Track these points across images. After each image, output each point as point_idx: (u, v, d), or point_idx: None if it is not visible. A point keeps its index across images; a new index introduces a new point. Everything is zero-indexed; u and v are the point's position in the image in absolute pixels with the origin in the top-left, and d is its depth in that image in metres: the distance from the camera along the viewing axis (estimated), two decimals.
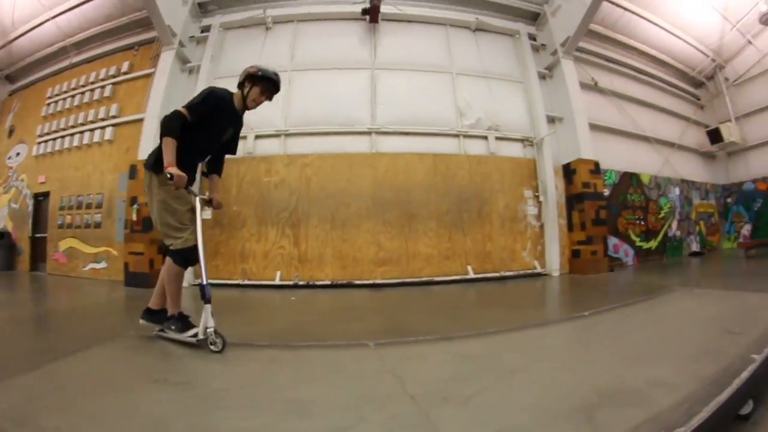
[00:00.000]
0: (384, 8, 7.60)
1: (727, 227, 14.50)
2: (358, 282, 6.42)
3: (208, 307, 2.33)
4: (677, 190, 11.67)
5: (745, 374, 1.38)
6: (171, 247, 2.48)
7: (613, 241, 9.00)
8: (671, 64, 13.10)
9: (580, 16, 7.87)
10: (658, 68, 12.74)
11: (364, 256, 6.61)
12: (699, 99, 14.67)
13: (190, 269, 2.98)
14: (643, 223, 10.09)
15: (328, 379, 1.87)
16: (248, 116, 2.91)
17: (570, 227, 8.11)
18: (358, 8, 7.59)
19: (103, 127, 8.15)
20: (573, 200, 8.15)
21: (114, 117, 8.09)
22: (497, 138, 7.71)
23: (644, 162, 10.82)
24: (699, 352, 1.81)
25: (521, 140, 7.99)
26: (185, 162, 2.41)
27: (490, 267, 7.01)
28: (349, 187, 6.74)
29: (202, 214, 2.54)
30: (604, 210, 8.27)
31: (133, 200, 6.87)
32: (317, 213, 6.62)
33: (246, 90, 2.62)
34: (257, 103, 2.68)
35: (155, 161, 2.47)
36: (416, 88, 7.63)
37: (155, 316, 2.60)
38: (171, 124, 2.38)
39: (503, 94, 8.14)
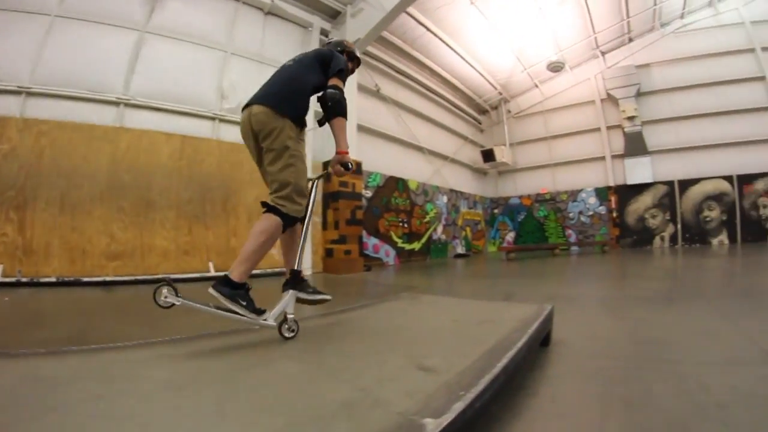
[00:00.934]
0: None
1: (492, 234, 18.11)
2: (87, 279, 5.70)
3: (290, 293, 2.22)
4: (445, 198, 13.91)
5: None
6: (289, 213, 2.16)
7: (373, 241, 10.21)
8: (461, 89, 15.63)
9: (375, 22, 8.56)
10: (446, 89, 15.04)
11: (95, 249, 5.92)
12: (480, 123, 17.96)
13: None
14: (406, 225, 11.61)
15: None
16: None
17: (324, 225, 8.71)
18: None
19: None
20: (329, 198, 8.67)
21: None
22: None
23: (415, 169, 12.50)
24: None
25: None
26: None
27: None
28: (83, 164, 5.96)
29: None
30: (361, 210, 9.06)
31: None
32: (46, 194, 5.70)
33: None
34: None
35: (298, 111, 2.22)
36: (184, 61, 7.28)
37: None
38: (345, 103, 2.20)
39: None
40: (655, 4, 13.38)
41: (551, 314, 2.44)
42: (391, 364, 1.53)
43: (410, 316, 2.63)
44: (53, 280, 5.57)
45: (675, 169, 14.03)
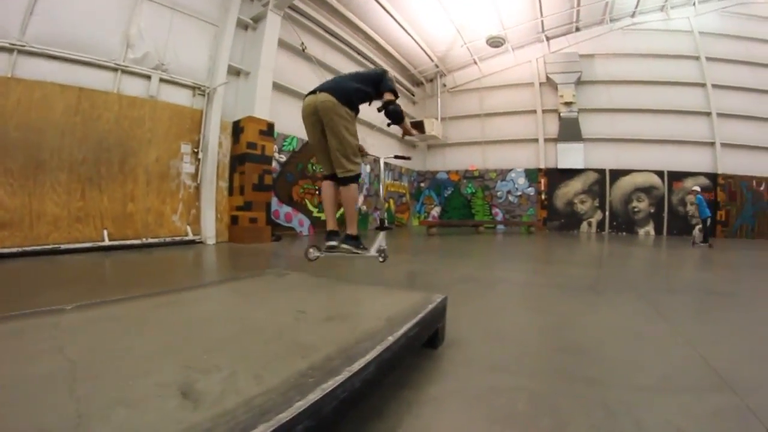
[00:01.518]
0: None
1: (417, 207, 18.98)
2: None
3: (382, 233, 3.48)
4: (367, 167, 14.36)
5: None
6: (352, 172, 3.15)
7: (285, 209, 10.44)
8: (396, 57, 15.89)
9: None
10: (380, 56, 15.23)
11: None
12: (414, 95, 18.43)
13: None
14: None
15: None
16: None
17: (231, 191, 8.69)
18: None
19: None
20: (235, 161, 8.66)
21: None
22: (163, 80, 7.65)
23: None
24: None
25: (193, 87, 8.16)
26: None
27: (132, 232, 7.00)
28: None
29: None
30: (270, 175, 9.11)
31: None
32: None
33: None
34: None
35: (352, 104, 3.14)
36: (91, 4, 6.81)
37: (338, 237, 3.24)
38: (401, 111, 3.23)
39: (188, 32, 8.14)
40: None
41: (442, 308, 2.11)
42: (154, 378, 1.16)
43: (248, 304, 2.21)
44: None
45: (607, 158, 15.86)
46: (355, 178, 3.20)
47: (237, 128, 8.76)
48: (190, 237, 7.83)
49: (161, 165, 7.56)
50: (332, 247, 3.18)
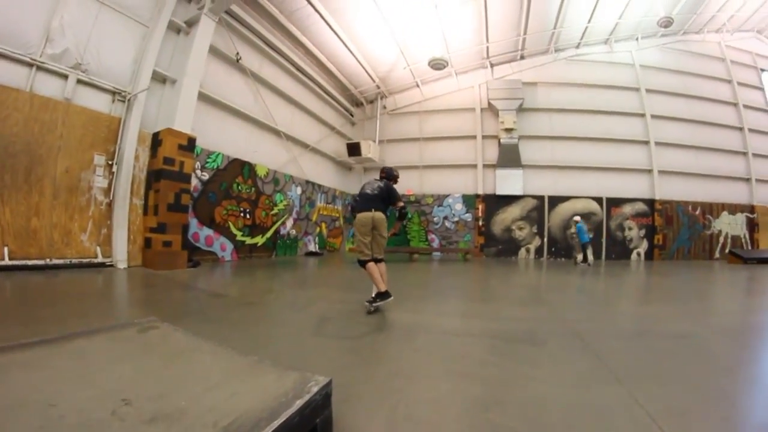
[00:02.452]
0: None
1: (351, 232, 19.26)
2: None
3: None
4: (299, 189, 14.62)
5: None
6: (383, 255, 5.26)
7: (206, 232, 10.29)
8: (336, 75, 16.45)
9: None
10: (320, 73, 15.77)
11: None
12: (353, 115, 19.12)
13: None
14: (249, 216, 11.87)
15: None
16: None
17: (146, 210, 8.46)
18: None
19: None
20: (151, 177, 8.41)
21: None
22: (80, 81, 7.51)
23: (267, 154, 12.87)
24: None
25: (113, 92, 8.04)
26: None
27: (36, 251, 6.75)
28: None
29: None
30: (188, 195, 8.91)
31: None
32: None
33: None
34: None
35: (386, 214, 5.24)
36: None
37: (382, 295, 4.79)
38: (406, 211, 5.57)
39: (114, 30, 8.04)
40: (555, 29, 16.11)
41: (322, 398, 1.74)
42: None
43: (73, 379, 1.85)
44: None
45: (546, 184, 17.44)
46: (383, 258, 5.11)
47: (156, 141, 8.58)
48: (100, 259, 7.59)
49: (71, 177, 7.34)
50: (375, 302, 4.73)
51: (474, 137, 18.26)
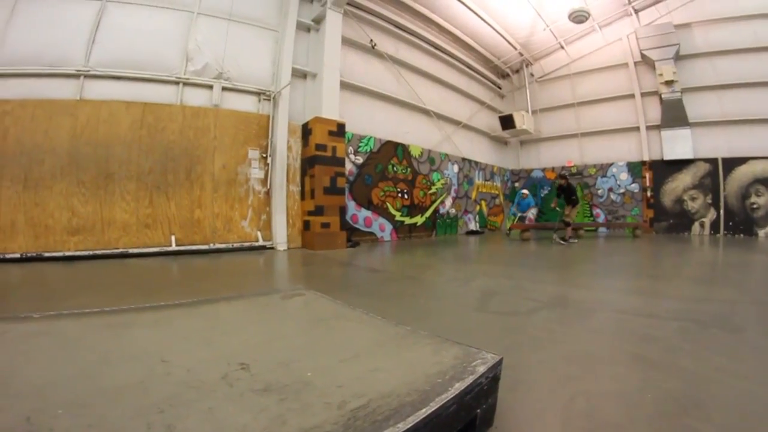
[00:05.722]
0: None
1: (512, 209, 17.62)
2: (48, 255, 5.99)
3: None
4: (456, 168, 13.47)
5: None
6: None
7: (364, 213, 9.87)
8: (476, 48, 14.92)
9: None
10: (458, 49, 14.37)
11: (57, 224, 6.20)
12: (500, 88, 17.24)
13: None
14: (407, 197, 11.21)
15: None
16: None
17: (303, 195, 8.50)
18: None
19: None
20: (306, 164, 8.47)
21: None
22: (226, 89, 7.74)
23: (419, 134, 12.07)
24: None
25: (257, 93, 8.19)
26: None
27: (200, 238, 7.15)
28: (45, 140, 6.22)
29: None
30: (343, 177, 8.71)
31: None
32: (11, 172, 6.04)
33: None
34: None
35: None
36: (147, 26, 7.24)
37: None
38: None
39: (247, 40, 8.22)
40: None
41: (493, 377, 1.27)
42: None
43: (198, 338, 1.71)
44: (17, 256, 5.87)
45: (719, 144, 12.78)
46: None
47: (306, 130, 8.59)
48: (261, 243, 7.78)
49: (228, 171, 7.65)
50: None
51: (632, 96, 14.44)
